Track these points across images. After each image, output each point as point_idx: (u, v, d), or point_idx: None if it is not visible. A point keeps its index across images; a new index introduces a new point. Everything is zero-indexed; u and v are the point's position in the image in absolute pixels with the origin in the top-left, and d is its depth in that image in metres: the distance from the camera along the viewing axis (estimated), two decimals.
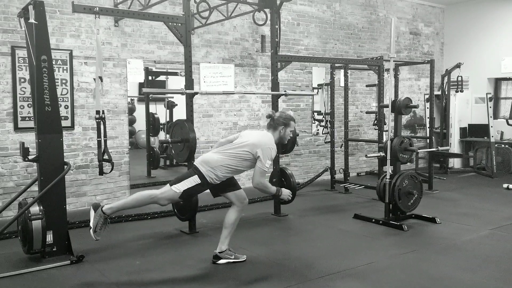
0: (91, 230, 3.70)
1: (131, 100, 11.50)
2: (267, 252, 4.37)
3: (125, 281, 3.68)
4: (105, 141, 4.33)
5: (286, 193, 4.01)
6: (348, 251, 4.40)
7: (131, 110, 11.25)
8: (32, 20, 3.90)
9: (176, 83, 8.89)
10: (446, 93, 8.87)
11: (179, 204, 4.94)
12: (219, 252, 4.00)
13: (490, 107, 8.85)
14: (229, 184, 4.01)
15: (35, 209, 3.96)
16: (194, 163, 3.92)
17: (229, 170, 3.86)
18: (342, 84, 7.78)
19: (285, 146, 5.58)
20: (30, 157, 4.04)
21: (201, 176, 3.78)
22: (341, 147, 7.78)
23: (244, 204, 4.04)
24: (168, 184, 3.85)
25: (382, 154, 5.40)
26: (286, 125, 4.02)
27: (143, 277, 3.77)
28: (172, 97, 9.52)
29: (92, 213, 3.73)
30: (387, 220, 5.27)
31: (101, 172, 4.34)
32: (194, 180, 3.78)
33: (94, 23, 4.54)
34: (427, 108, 9.08)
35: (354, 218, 5.58)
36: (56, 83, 5.07)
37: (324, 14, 8.41)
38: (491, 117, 8.75)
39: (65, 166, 4.13)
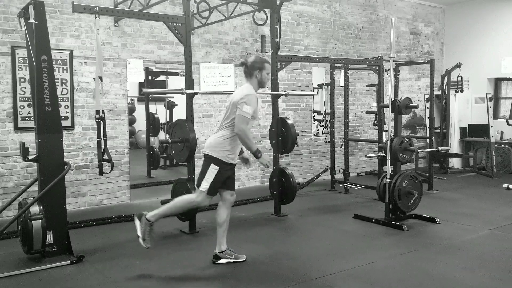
0: (140, 239, 3.85)
1: (131, 100, 11.50)
2: (267, 252, 4.37)
3: (125, 281, 3.68)
4: (105, 141, 4.33)
5: (266, 158, 3.96)
6: (348, 251, 4.40)
7: (131, 110, 11.25)
8: (32, 20, 3.90)
9: (176, 83, 8.89)
10: (446, 93, 8.88)
11: None
12: (219, 252, 4.00)
13: (490, 107, 8.85)
14: (229, 180, 4.02)
15: (35, 209, 3.96)
16: (203, 152, 3.94)
17: (233, 135, 3.87)
18: (342, 84, 7.78)
19: (285, 146, 5.59)
20: (30, 157, 4.03)
21: (216, 161, 3.83)
22: (341, 147, 7.78)
23: (232, 200, 4.05)
24: (196, 187, 3.97)
25: (382, 154, 5.40)
26: (260, 68, 3.99)
27: (143, 277, 3.77)
28: (172, 97, 9.51)
29: (137, 222, 3.89)
30: (387, 220, 5.27)
31: (101, 172, 4.34)
32: (213, 171, 3.84)
33: (94, 23, 4.53)
34: (427, 108, 9.08)
35: (354, 218, 5.58)
36: (56, 83, 5.08)
37: (324, 14, 8.41)
38: (491, 117, 8.75)
39: (65, 166, 4.13)
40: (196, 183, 4.01)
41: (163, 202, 4.97)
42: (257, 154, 3.88)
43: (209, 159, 3.88)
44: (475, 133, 9.44)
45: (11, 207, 5.04)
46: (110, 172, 4.66)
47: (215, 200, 4.27)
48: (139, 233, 3.85)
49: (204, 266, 3.98)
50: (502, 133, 9.34)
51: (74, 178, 5.98)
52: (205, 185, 3.87)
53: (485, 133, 9.01)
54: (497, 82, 10.04)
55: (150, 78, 8.90)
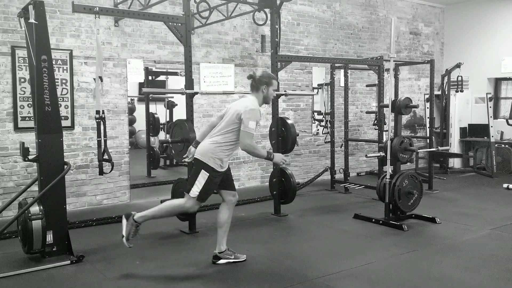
0: (124, 239, 3.81)
1: (131, 100, 11.50)
2: (267, 252, 4.37)
3: (125, 281, 3.68)
4: (105, 141, 4.33)
5: (279, 157, 3.95)
6: (348, 251, 4.40)
7: (131, 110, 11.25)
8: (32, 20, 3.90)
9: (176, 83, 8.89)
10: (446, 93, 8.88)
11: None
12: (218, 253, 4.00)
13: (490, 107, 8.86)
14: (226, 181, 4.01)
15: (35, 209, 3.96)
16: (195, 156, 3.90)
17: (228, 146, 3.85)
18: (342, 84, 7.78)
19: (285, 146, 5.59)
20: (30, 157, 4.03)
21: (206, 167, 3.79)
22: (341, 147, 7.79)
23: (233, 201, 4.04)
24: (185, 192, 3.91)
25: (382, 154, 5.40)
26: (268, 84, 3.97)
27: (143, 277, 3.77)
28: (172, 97, 9.52)
29: (124, 222, 3.85)
30: (387, 220, 5.27)
31: (101, 172, 4.34)
32: (203, 176, 3.79)
33: (94, 23, 4.54)
34: (427, 108, 9.08)
35: (354, 218, 5.58)
36: (56, 83, 5.07)
37: (324, 14, 8.41)
38: (491, 117, 8.75)
39: (65, 166, 4.13)
40: (186, 187, 3.93)
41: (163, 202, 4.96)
42: (269, 157, 3.91)
43: (199, 164, 3.83)
44: (475, 133, 9.44)
45: (11, 207, 5.03)
46: (110, 172, 4.66)
47: (216, 200, 4.28)
48: (124, 233, 3.81)
49: (204, 266, 3.97)
50: (502, 133, 9.34)
51: (74, 178, 5.98)
52: (195, 190, 3.80)
53: (485, 133, 9.01)
54: (497, 82, 10.04)
55: (150, 78, 8.90)
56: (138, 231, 3.88)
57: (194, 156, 3.92)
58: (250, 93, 4.04)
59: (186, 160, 4.16)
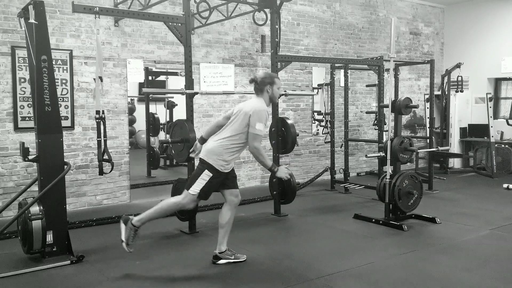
0: (123, 244, 3.82)
1: (131, 100, 11.51)
2: (267, 252, 4.37)
3: (125, 281, 3.68)
4: (105, 141, 4.33)
5: (283, 171, 3.93)
6: (348, 251, 4.40)
7: (131, 110, 11.25)
8: (32, 20, 3.90)
9: (176, 83, 8.89)
10: (446, 93, 8.88)
11: None
12: (219, 253, 4.00)
13: (490, 107, 8.86)
14: (227, 180, 4.00)
15: (35, 209, 3.96)
16: (200, 156, 3.92)
17: (235, 148, 3.86)
18: (342, 84, 7.78)
19: (285, 146, 5.60)
20: (30, 157, 4.03)
21: (210, 168, 3.79)
22: (341, 147, 7.78)
23: (236, 202, 4.03)
24: (185, 189, 3.91)
25: (382, 154, 5.40)
26: (271, 83, 3.97)
27: (143, 277, 3.77)
28: (172, 97, 9.52)
29: (122, 226, 3.85)
30: (387, 220, 5.27)
31: (101, 172, 4.34)
32: (206, 175, 3.80)
33: (94, 23, 4.54)
34: (427, 108, 9.09)
35: (354, 218, 5.58)
36: (56, 83, 5.07)
37: (324, 14, 8.41)
38: (491, 117, 8.75)
39: (65, 166, 4.13)
40: (186, 185, 3.95)
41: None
42: (273, 169, 3.90)
43: (204, 164, 3.84)
44: (475, 133, 9.44)
45: (11, 207, 5.04)
46: (110, 172, 4.66)
47: (216, 200, 4.28)
48: (123, 238, 3.82)
49: (204, 266, 3.98)
50: (502, 133, 9.34)
51: (74, 178, 5.98)
52: (195, 189, 3.82)
53: (485, 133, 9.01)
54: (497, 82, 10.04)
55: (150, 78, 8.91)
56: (138, 234, 3.89)
57: (200, 156, 3.93)
58: (255, 96, 4.03)
59: (192, 155, 4.19)
